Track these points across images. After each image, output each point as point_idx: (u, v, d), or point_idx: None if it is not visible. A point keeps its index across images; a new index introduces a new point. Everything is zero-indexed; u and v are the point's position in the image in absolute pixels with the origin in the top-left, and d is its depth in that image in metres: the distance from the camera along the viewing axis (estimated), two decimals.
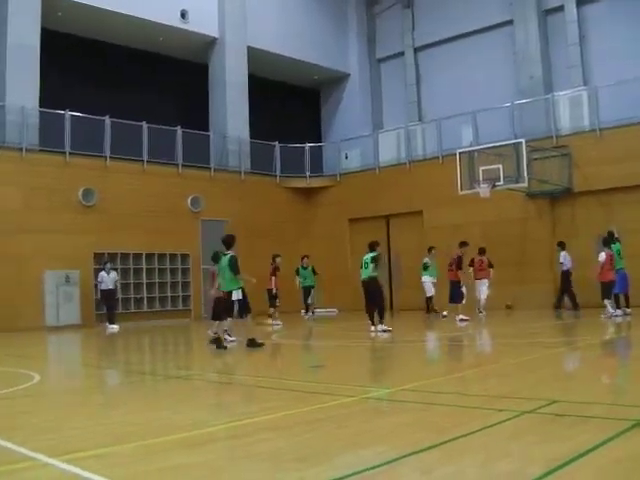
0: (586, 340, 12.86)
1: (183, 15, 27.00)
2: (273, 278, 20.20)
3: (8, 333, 19.19)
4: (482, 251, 20.24)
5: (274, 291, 20.22)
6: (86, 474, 4.37)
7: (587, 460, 4.28)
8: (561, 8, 26.22)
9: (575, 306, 20.14)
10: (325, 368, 10.04)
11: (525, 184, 20.86)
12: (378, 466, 4.34)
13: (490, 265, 20.11)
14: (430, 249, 22.57)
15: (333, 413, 6.28)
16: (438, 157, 25.50)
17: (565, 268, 20.43)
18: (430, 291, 22.51)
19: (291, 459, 4.66)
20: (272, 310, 20.24)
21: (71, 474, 4.44)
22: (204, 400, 7.73)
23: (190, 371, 11.01)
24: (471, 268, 20.11)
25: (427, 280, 22.43)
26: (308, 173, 29.33)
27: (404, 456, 4.57)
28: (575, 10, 25.81)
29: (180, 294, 25.15)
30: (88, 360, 13.48)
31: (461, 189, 21.46)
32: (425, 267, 22.45)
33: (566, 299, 20.64)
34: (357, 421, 5.98)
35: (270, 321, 19.96)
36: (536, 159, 22.18)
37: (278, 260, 20.35)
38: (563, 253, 20.47)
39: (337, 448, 4.97)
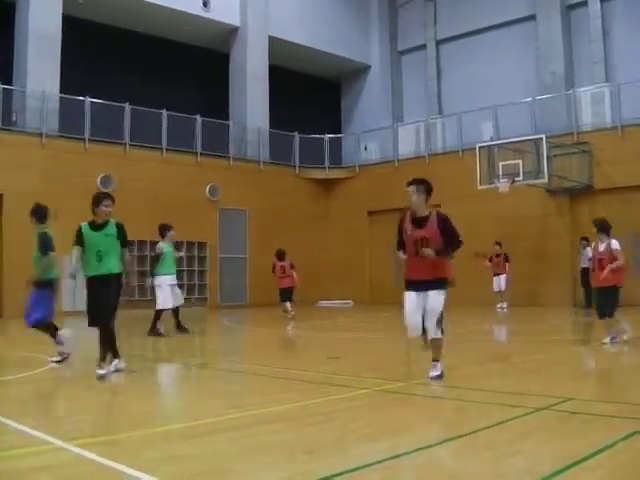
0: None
1: (205, 4, 26.99)
2: (294, 273, 18.74)
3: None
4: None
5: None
6: (99, 459, 4.42)
7: (599, 459, 4.26)
8: (585, 3, 25.97)
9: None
10: (341, 359, 10.02)
11: (545, 180, 20.73)
12: (389, 459, 4.35)
13: (506, 259, 20.08)
14: (166, 228, 14.47)
15: (346, 405, 6.28)
16: (457, 151, 25.38)
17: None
18: (170, 300, 14.14)
19: (300, 450, 4.67)
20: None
21: (85, 459, 4.48)
22: (217, 389, 7.74)
23: (204, 359, 11.04)
24: (489, 263, 20.10)
25: (163, 282, 14.04)
26: (327, 164, 29.30)
27: (415, 450, 4.57)
28: (599, 5, 25.55)
29: (197, 282, 25.22)
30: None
31: (480, 184, 21.40)
32: (158, 259, 14.30)
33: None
34: (370, 414, 5.99)
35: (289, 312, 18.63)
36: (556, 155, 22.00)
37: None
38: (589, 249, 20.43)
39: (348, 440, 4.97)
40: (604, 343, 10.56)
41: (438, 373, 7.58)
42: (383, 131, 29.52)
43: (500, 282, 20.05)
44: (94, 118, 22.94)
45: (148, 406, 6.50)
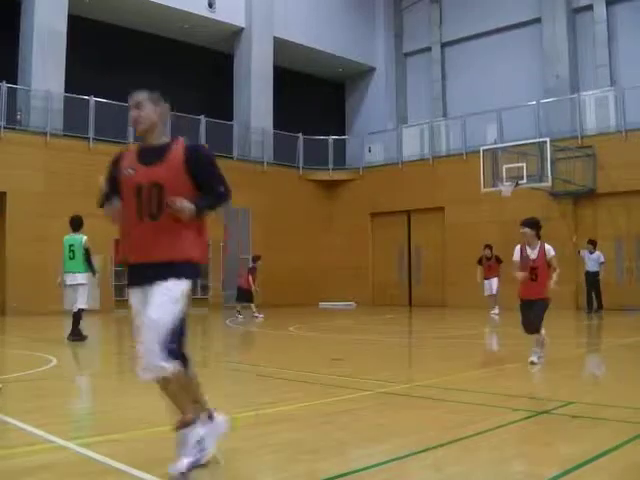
0: (610, 341, 12.78)
1: (210, 4, 27.00)
2: (250, 277, 19.75)
3: (28, 316, 19.32)
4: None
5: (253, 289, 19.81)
6: (101, 458, 4.42)
7: (601, 463, 4.26)
8: (590, 7, 25.95)
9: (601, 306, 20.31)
10: (343, 361, 10.02)
11: (549, 184, 20.72)
12: (390, 461, 4.35)
13: (499, 261, 19.69)
14: (75, 222, 12.50)
15: (349, 406, 6.29)
16: (461, 154, 25.35)
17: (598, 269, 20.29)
18: (83, 299, 12.41)
19: (304, 451, 4.67)
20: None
21: (87, 458, 4.48)
22: (221, 389, 7.73)
23: (207, 359, 11.04)
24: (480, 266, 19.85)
25: (84, 280, 12.43)
26: (331, 166, 29.28)
27: (417, 452, 4.57)
28: (604, 10, 25.53)
29: (200, 283, 25.15)
30: (106, 345, 13.56)
31: (484, 187, 21.38)
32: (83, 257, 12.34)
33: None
34: (372, 415, 5.98)
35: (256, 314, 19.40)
36: (560, 159, 22.00)
37: (259, 263, 20.23)
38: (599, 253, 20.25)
39: (351, 442, 4.98)
40: (533, 362, 9.10)
41: (191, 460, 4.12)
42: (387, 133, 29.55)
43: (492, 285, 19.70)
44: (98, 117, 22.94)
45: (151, 405, 6.49)
